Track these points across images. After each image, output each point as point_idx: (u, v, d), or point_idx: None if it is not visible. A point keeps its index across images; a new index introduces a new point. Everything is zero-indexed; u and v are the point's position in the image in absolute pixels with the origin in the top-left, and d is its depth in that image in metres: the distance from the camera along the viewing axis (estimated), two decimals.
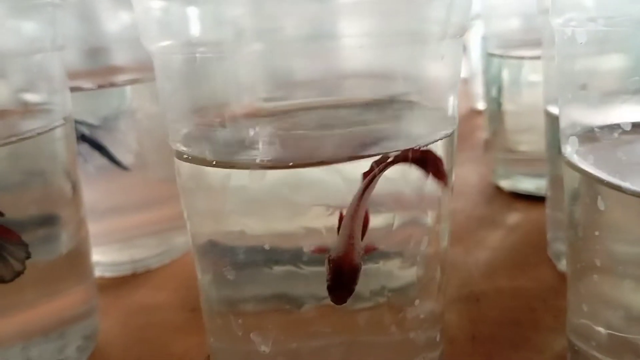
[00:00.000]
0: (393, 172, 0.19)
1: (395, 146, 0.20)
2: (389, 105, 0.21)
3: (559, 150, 0.23)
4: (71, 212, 0.28)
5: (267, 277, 0.21)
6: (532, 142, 0.46)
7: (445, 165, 0.21)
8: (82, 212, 0.29)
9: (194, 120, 0.21)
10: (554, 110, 0.34)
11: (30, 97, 0.26)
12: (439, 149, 0.21)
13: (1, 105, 0.25)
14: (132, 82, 0.38)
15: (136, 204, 0.40)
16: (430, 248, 0.22)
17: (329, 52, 0.19)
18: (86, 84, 0.36)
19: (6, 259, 0.25)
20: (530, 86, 0.47)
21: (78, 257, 0.28)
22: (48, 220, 0.26)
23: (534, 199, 0.46)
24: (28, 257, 0.25)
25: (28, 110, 0.26)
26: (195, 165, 0.21)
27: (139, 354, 0.31)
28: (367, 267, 0.20)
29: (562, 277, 0.34)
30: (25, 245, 0.25)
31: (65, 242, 0.27)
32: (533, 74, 0.46)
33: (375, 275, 0.21)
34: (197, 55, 0.19)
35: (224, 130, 0.20)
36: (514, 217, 0.45)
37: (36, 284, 0.26)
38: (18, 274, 0.25)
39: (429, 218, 0.21)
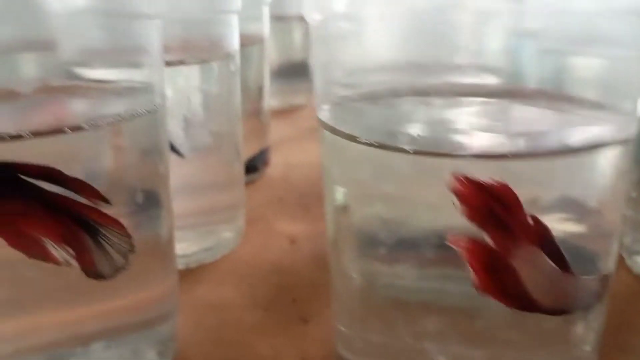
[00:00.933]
0: None
1: None
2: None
3: None
4: (168, 199, 0.25)
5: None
6: None
7: None
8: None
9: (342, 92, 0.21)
10: None
11: (134, 73, 0.23)
12: None
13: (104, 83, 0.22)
14: (179, 63, 0.35)
15: (190, 193, 0.37)
16: None
17: None
18: None
19: (108, 252, 0.22)
20: None
21: (169, 249, 0.26)
22: (149, 208, 0.23)
23: None
24: (131, 250, 0.22)
25: (130, 88, 0.23)
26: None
27: (225, 358, 0.28)
28: None
29: None
30: (129, 237, 0.22)
31: (164, 232, 0.25)
32: None
33: None
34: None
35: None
36: None
37: (132, 279, 0.23)
38: (118, 269, 0.22)
39: None
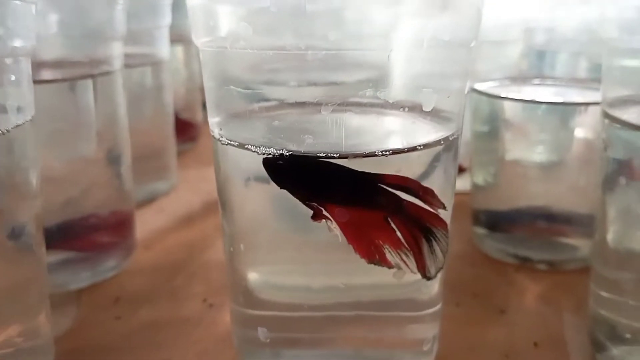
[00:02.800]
0: None
1: None
2: None
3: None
4: None
5: None
6: None
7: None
8: None
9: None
10: None
11: None
12: None
13: None
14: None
15: None
16: None
17: None
18: None
19: (435, 252, 0.23)
20: None
21: None
22: None
23: None
24: (448, 250, 0.23)
25: None
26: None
27: None
28: None
29: None
30: (447, 237, 0.23)
31: None
32: None
33: None
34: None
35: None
36: None
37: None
38: (439, 270, 0.23)
39: None
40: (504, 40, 0.39)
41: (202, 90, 0.71)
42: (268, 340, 0.24)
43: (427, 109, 0.20)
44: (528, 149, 0.36)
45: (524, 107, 0.36)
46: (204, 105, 0.73)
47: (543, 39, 0.39)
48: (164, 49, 0.51)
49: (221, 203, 0.24)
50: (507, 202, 0.38)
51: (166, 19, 0.50)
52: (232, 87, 0.22)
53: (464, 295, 0.34)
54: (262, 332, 0.24)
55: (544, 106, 0.35)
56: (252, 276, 0.24)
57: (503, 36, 0.39)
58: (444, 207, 0.22)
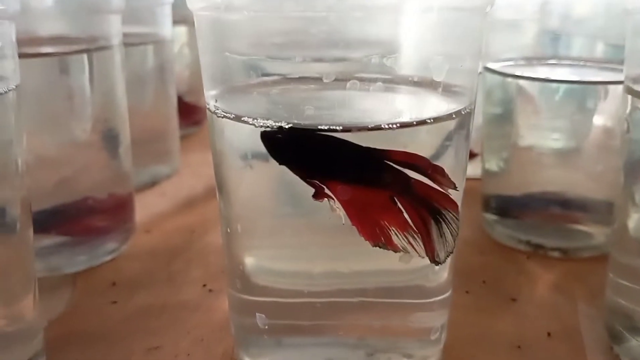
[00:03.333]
0: None
1: None
2: None
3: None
4: None
5: None
6: None
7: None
8: None
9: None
10: None
11: None
12: None
13: None
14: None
15: None
16: None
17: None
18: None
19: (444, 235, 0.21)
20: None
21: None
22: None
23: None
24: (458, 233, 0.22)
25: None
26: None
27: None
28: None
29: None
30: (458, 220, 0.21)
31: None
32: None
33: None
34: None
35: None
36: None
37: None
38: (449, 254, 0.22)
39: None
40: (519, 19, 0.37)
41: None
42: (266, 327, 0.22)
43: (438, 78, 0.19)
44: (543, 134, 0.35)
45: (540, 87, 0.34)
46: None
47: (559, 18, 0.37)
48: (166, 27, 0.50)
49: (217, 182, 0.23)
50: (519, 187, 0.37)
51: None
52: (229, 55, 0.20)
53: (473, 283, 0.32)
54: (260, 319, 0.22)
55: (561, 86, 0.34)
56: (250, 260, 0.23)
57: (518, 15, 0.37)
58: (455, 187, 0.21)
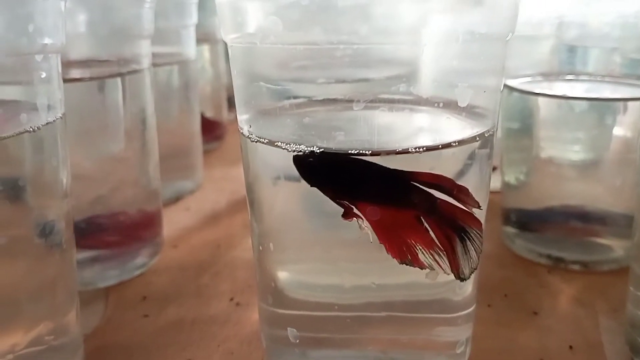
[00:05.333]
0: None
1: None
2: None
3: None
4: None
5: None
6: None
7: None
8: None
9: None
10: None
11: None
12: None
13: None
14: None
15: None
16: None
17: None
18: None
19: (469, 252, 0.22)
20: None
21: None
22: None
23: None
24: (481, 250, 0.23)
25: None
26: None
27: None
28: None
29: None
30: (481, 237, 0.22)
31: None
32: None
33: None
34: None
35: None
36: None
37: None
38: (473, 271, 0.23)
39: None
40: (536, 35, 0.38)
41: (228, 89, 0.71)
42: (297, 341, 0.23)
43: (462, 104, 0.20)
44: (563, 147, 0.35)
45: (560, 103, 0.35)
46: (230, 103, 0.73)
47: (576, 34, 0.38)
48: (190, 48, 0.51)
49: (250, 201, 0.24)
50: (539, 201, 0.37)
51: (193, 17, 0.50)
52: (262, 83, 0.21)
53: (495, 297, 0.33)
54: (291, 333, 0.23)
55: (581, 103, 0.34)
56: (282, 275, 0.24)
57: (535, 31, 0.38)
58: (479, 206, 0.22)
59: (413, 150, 0.20)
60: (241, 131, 0.23)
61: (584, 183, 0.36)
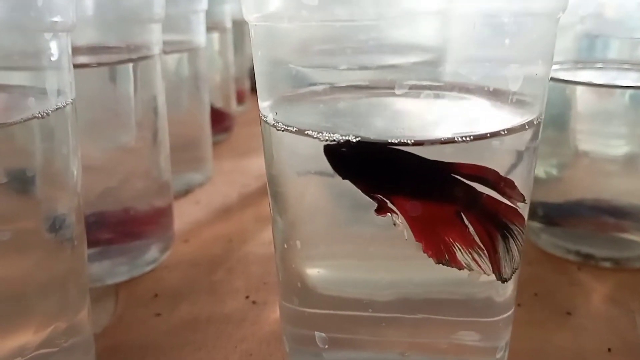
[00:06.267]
0: None
1: None
2: None
3: None
4: None
5: None
6: None
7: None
8: None
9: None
10: None
11: None
12: None
13: None
14: None
15: None
16: None
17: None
18: None
19: (512, 251, 0.20)
20: None
21: None
22: None
23: None
24: (523, 249, 0.21)
25: None
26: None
27: None
28: None
29: None
30: (524, 234, 0.21)
31: None
32: None
33: None
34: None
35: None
36: None
37: None
38: (515, 271, 0.21)
39: None
40: (566, 22, 0.36)
41: (237, 80, 0.69)
42: (326, 346, 0.22)
43: (514, 88, 0.18)
44: (601, 140, 0.34)
45: (599, 92, 0.33)
46: (238, 95, 0.71)
47: (598, 21, 0.36)
48: (200, 35, 0.49)
49: (273, 195, 0.23)
50: (568, 194, 0.36)
51: (202, 3, 0.48)
52: (289, 66, 0.20)
53: (525, 295, 0.31)
54: (319, 338, 0.22)
55: (618, 91, 0.33)
56: (311, 273, 0.22)
57: (565, 18, 0.36)
58: (524, 200, 0.20)
59: (460, 139, 0.18)
60: (264, 119, 0.21)
61: (620, 177, 0.34)
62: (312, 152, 0.19)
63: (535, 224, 0.37)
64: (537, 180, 0.37)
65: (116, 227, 0.34)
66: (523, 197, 0.20)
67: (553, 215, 0.36)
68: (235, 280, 0.34)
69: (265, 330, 0.29)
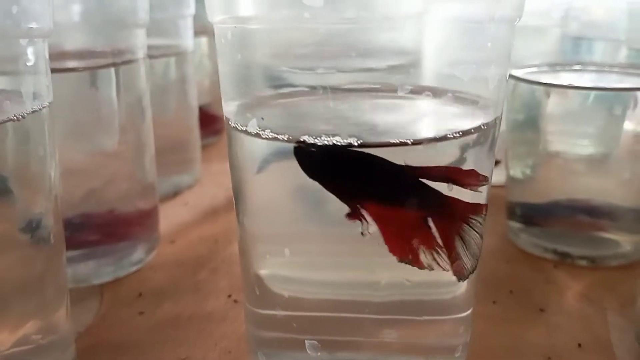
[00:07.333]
0: None
1: None
2: None
3: None
4: None
5: None
6: None
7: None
8: None
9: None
10: None
11: None
12: None
13: None
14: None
15: None
16: None
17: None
18: None
19: (470, 244, 0.21)
20: None
21: None
22: None
23: None
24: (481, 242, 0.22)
25: None
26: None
27: None
28: None
29: None
30: (483, 225, 0.21)
31: None
32: None
33: None
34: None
35: None
36: None
37: None
38: (473, 270, 0.21)
39: None
40: (542, 25, 0.37)
41: None
42: (319, 354, 0.22)
43: (472, 89, 0.19)
44: (571, 139, 0.34)
45: (568, 93, 0.34)
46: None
47: (583, 24, 0.37)
48: (188, 39, 0.50)
49: (237, 198, 0.23)
50: (545, 195, 0.36)
51: (190, 8, 0.49)
52: (256, 69, 0.20)
53: (500, 293, 0.32)
54: (310, 345, 0.22)
55: (589, 93, 0.33)
56: (268, 274, 0.23)
57: (542, 21, 0.37)
58: (486, 180, 0.20)
59: (426, 141, 0.18)
60: (228, 121, 0.22)
61: (592, 177, 0.35)
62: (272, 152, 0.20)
63: (515, 224, 0.38)
64: (515, 181, 0.38)
65: (101, 229, 0.35)
66: (485, 177, 0.20)
67: (531, 215, 0.37)
68: (219, 280, 0.35)
69: (244, 328, 0.30)
